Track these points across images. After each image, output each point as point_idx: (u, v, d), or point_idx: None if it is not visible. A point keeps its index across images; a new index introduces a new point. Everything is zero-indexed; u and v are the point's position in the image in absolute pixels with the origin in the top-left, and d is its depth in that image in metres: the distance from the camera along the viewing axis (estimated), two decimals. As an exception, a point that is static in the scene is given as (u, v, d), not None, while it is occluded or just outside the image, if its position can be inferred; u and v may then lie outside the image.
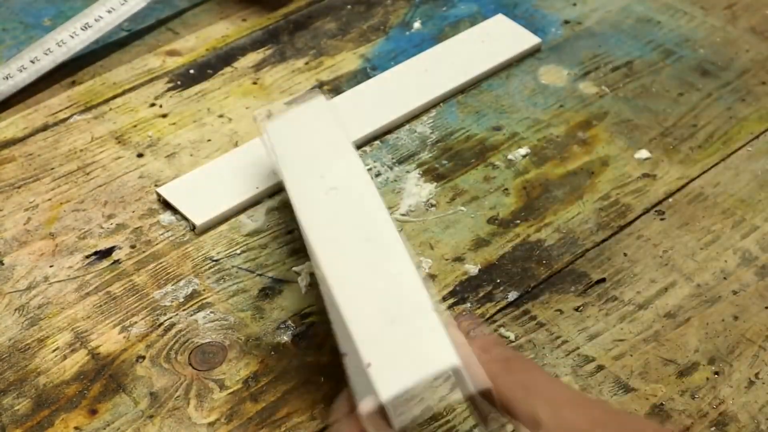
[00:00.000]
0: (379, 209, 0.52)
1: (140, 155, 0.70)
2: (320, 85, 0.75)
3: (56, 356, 0.57)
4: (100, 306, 0.60)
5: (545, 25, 0.81)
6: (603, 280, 0.62)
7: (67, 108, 0.73)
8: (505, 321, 0.59)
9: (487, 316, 0.59)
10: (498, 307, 0.60)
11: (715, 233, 0.64)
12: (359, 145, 0.70)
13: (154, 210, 0.66)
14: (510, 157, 0.69)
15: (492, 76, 0.76)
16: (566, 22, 0.81)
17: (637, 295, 0.61)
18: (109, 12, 0.77)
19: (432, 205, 0.66)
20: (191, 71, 0.77)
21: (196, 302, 0.60)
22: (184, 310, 0.60)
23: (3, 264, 0.62)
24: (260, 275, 0.62)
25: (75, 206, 0.66)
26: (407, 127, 0.72)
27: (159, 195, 0.66)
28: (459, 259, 0.63)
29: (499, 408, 0.45)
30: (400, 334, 0.45)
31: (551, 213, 0.66)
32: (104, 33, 0.77)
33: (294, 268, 0.62)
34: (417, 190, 0.67)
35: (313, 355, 0.57)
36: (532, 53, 0.78)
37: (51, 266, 0.62)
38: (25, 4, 0.83)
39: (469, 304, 0.60)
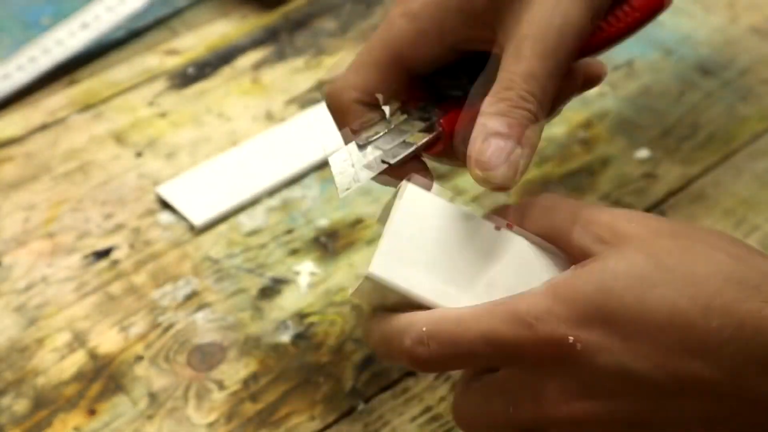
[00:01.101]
0: None
1: (139, 155, 0.70)
2: (320, 85, 0.75)
3: (55, 356, 0.57)
4: (99, 306, 0.60)
5: (545, 25, 0.80)
6: (604, 279, 0.61)
7: (65, 107, 0.73)
8: (506, 321, 0.59)
9: (488, 316, 0.59)
10: (498, 307, 0.60)
11: (716, 233, 0.64)
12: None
13: (153, 210, 0.66)
14: (510, 156, 0.69)
15: (492, 75, 0.76)
16: (566, 21, 0.81)
17: (638, 295, 0.60)
18: (108, 11, 0.77)
19: (432, 205, 0.66)
20: (190, 70, 0.76)
21: (195, 302, 0.60)
22: (183, 310, 0.59)
23: (1, 264, 0.62)
24: (259, 275, 0.61)
25: (73, 206, 0.66)
26: (407, 126, 0.71)
27: (158, 194, 0.66)
28: (459, 259, 0.62)
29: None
30: None
31: (552, 212, 0.65)
32: (103, 32, 0.77)
33: (294, 268, 0.62)
34: (417, 189, 0.67)
35: (312, 355, 0.57)
36: (532, 52, 0.77)
37: (49, 266, 0.62)
38: (23, 3, 0.82)
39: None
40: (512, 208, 0.45)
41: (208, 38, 0.79)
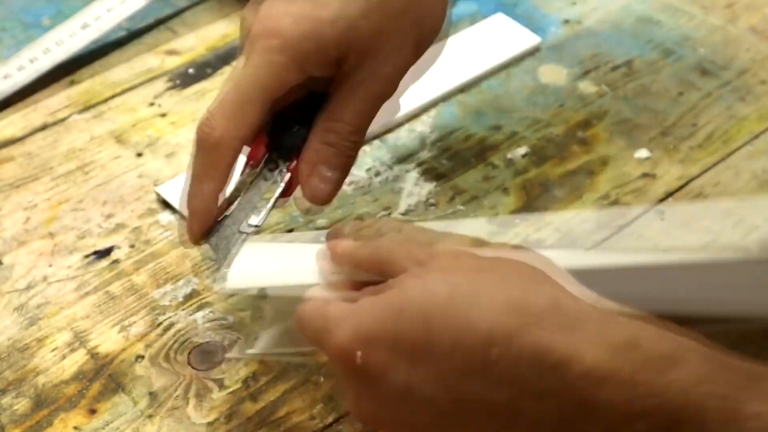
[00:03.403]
0: None
1: (139, 154, 0.70)
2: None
3: (55, 356, 0.57)
4: (99, 305, 0.60)
5: (545, 25, 0.80)
6: (603, 279, 0.61)
7: (66, 107, 0.73)
8: (505, 320, 0.59)
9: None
10: (498, 307, 0.60)
11: (715, 233, 0.64)
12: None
13: (154, 209, 0.66)
14: (509, 156, 0.69)
15: (492, 75, 0.76)
16: (566, 21, 0.81)
17: (637, 295, 0.61)
18: (108, 11, 0.77)
19: (432, 205, 0.66)
20: (190, 70, 0.76)
21: (196, 302, 0.60)
22: (183, 309, 0.60)
23: (2, 263, 0.62)
24: (259, 275, 0.61)
25: (74, 206, 0.66)
26: (407, 126, 0.72)
27: (158, 194, 0.66)
28: (459, 259, 0.63)
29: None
30: None
31: (551, 212, 0.66)
32: (103, 32, 0.77)
33: (293, 268, 0.62)
34: (416, 189, 0.67)
35: (312, 354, 0.57)
36: (531, 52, 0.78)
37: (50, 266, 0.62)
38: (24, 3, 0.82)
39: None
40: (348, 228, 0.50)
41: (209, 38, 0.79)
